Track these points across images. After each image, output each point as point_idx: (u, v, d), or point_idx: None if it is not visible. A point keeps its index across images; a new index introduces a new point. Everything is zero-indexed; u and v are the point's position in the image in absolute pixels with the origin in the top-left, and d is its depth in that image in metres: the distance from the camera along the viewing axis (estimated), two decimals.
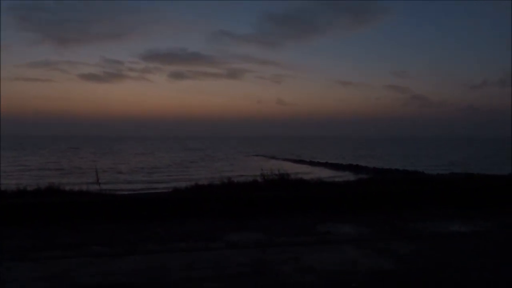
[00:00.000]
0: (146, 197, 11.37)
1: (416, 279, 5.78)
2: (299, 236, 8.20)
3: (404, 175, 26.17)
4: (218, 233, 8.30)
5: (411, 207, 10.84)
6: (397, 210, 10.51)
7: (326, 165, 49.44)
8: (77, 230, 8.40)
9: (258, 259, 6.62)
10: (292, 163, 52.45)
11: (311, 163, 52.89)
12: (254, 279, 5.74)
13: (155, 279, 5.70)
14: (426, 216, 10.03)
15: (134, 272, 5.96)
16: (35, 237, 7.82)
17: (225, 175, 14.06)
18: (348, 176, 31.35)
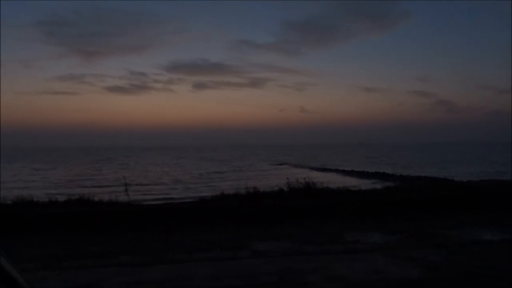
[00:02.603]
0: (172, 206, 11.47)
1: None
2: (326, 244, 8.11)
3: (432, 182, 25.66)
4: (244, 242, 8.30)
5: (441, 214, 10.64)
6: (426, 217, 10.32)
7: (352, 173, 48.81)
8: (105, 240, 8.53)
9: (285, 268, 6.56)
10: (317, 172, 52.04)
11: (336, 171, 52.35)
12: None
13: None
14: (456, 223, 9.81)
15: (161, 281, 5.99)
16: (64, 246, 7.98)
17: (251, 185, 14.00)
18: (375, 184, 30.90)
